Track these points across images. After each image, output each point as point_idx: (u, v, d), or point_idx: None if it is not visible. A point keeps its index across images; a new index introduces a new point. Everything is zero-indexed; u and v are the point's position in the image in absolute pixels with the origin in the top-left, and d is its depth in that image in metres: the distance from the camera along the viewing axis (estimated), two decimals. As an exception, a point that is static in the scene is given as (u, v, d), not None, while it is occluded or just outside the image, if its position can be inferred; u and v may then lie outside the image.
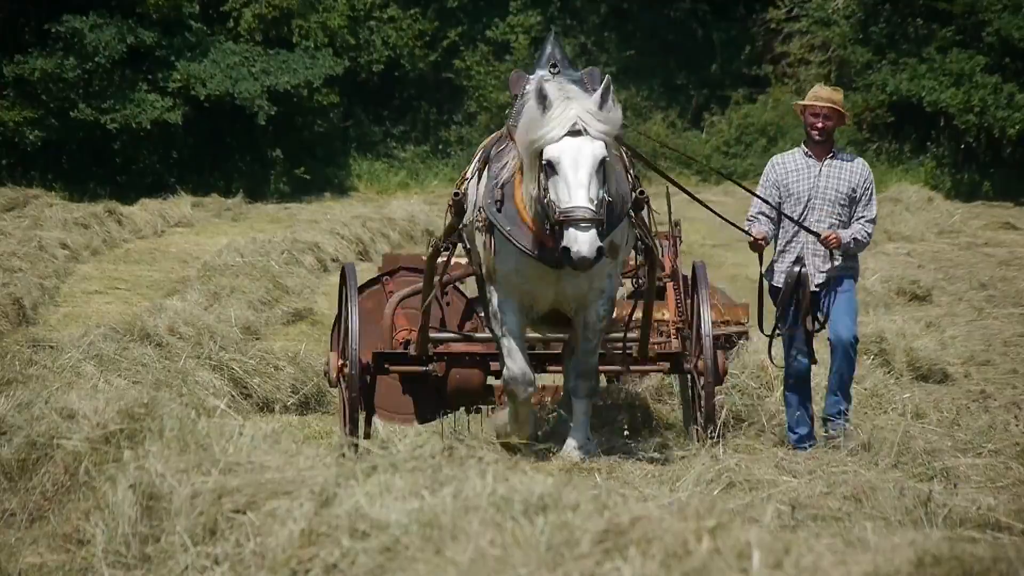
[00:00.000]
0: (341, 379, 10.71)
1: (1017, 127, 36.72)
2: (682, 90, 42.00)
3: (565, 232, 9.16)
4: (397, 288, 11.34)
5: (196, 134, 35.68)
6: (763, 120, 40.73)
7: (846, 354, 10.54)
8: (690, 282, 10.85)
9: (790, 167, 10.69)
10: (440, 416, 11.28)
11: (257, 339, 15.12)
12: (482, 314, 10.94)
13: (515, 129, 9.79)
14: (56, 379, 10.52)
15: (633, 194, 9.94)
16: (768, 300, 10.91)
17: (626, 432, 11.32)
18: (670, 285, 11.32)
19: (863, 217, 10.63)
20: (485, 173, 10.04)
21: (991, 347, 15.42)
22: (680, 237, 11.75)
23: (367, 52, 39.15)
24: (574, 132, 9.29)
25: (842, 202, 10.58)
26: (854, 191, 10.60)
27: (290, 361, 13.33)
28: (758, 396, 11.62)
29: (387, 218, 27.36)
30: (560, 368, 10.74)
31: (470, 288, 11.49)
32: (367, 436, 10.59)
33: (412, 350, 10.90)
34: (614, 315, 10.36)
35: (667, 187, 11.00)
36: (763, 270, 10.81)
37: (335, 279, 21.02)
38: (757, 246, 10.60)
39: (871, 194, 10.68)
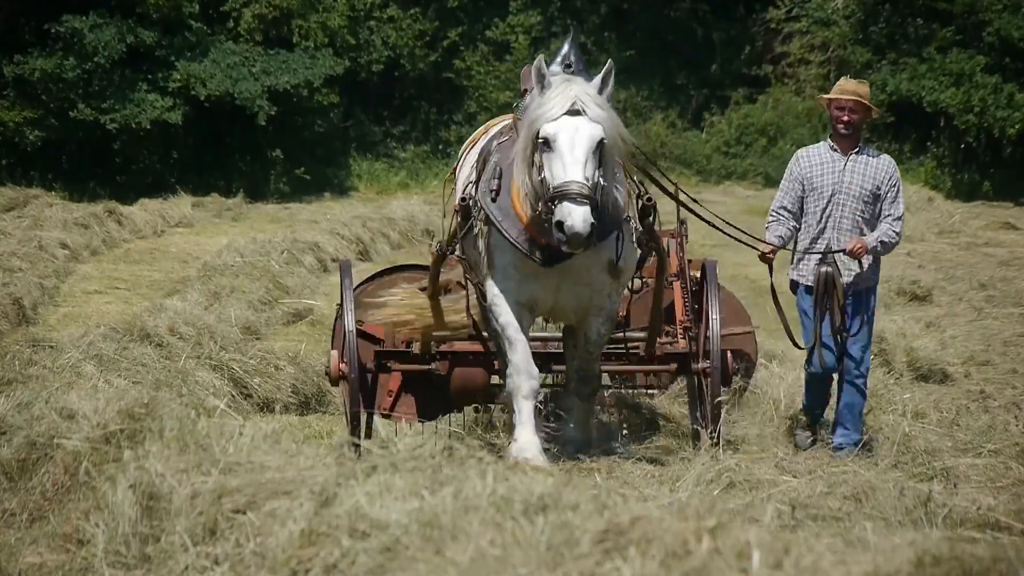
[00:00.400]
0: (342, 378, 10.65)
1: (1017, 127, 36.72)
2: (682, 90, 42.01)
3: (558, 207, 8.94)
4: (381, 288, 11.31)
5: (196, 134, 35.69)
6: (763, 120, 40.73)
7: (856, 388, 10.42)
8: (700, 282, 10.72)
9: (814, 160, 10.53)
10: (443, 415, 11.24)
11: (257, 339, 15.12)
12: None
13: (521, 123, 9.63)
14: (56, 379, 10.52)
15: (640, 201, 9.80)
16: (783, 303, 10.77)
17: (625, 432, 11.30)
18: (677, 284, 11.18)
19: (889, 215, 10.46)
20: (489, 167, 9.86)
21: (991, 347, 15.42)
22: (687, 236, 11.67)
23: (367, 52, 39.15)
24: (573, 111, 9.16)
25: (866, 199, 10.42)
26: (879, 188, 10.44)
27: (290, 361, 13.33)
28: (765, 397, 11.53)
29: (387, 218, 27.36)
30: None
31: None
32: (368, 436, 10.56)
33: (415, 348, 10.82)
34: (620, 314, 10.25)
35: (676, 185, 10.88)
36: (790, 267, 10.64)
37: (335, 279, 21.04)
38: (766, 259, 10.50)
39: (898, 191, 10.51)
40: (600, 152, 9.15)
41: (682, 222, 11.46)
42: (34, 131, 33.59)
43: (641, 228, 9.83)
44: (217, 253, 21.00)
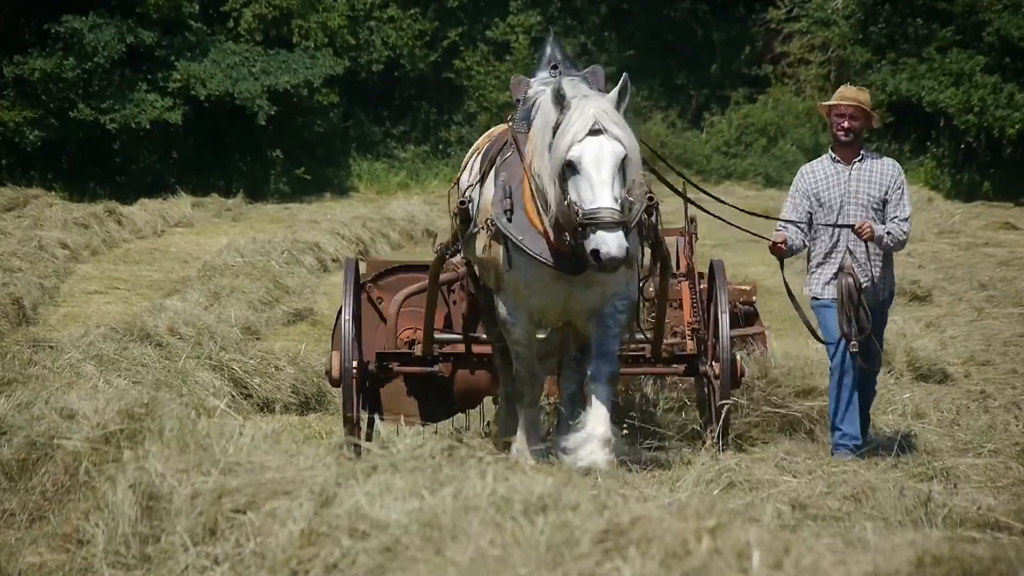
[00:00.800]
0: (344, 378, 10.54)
1: (1017, 127, 36.73)
2: (682, 90, 42.03)
3: (591, 235, 8.87)
4: (382, 292, 11.21)
5: (196, 134, 35.69)
6: (763, 120, 40.75)
7: (870, 389, 10.39)
8: (707, 281, 10.61)
9: (819, 175, 10.40)
10: (447, 418, 11.13)
11: (257, 339, 15.12)
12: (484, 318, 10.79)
13: (521, 137, 9.61)
14: (56, 379, 10.52)
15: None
16: (805, 310, 10.62)
17: (626, 432, 11.28)
18: (685, 284, 11.06)
19: (896, 217, 10.33)
20: (491, 180, 9.79)
21: (991, 347, 15.42)
22: (696, 234, 11.55)
23: (367, 52, 39.17)
24: (594, 131, 9.07)
25: (875, 205, 10.31)
26: (885, 192, 10.33)
27: (290, 361, 13.32)
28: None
29: (387, 218, 27.36)
30: None
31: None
32: (369, 438, 10.51)
33: (417, 351, 10.73)
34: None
35: (683, 183, 10.80)
36: (805, 286, 10.51)
37: (335, 279, 21.02)
38: (777, 250, 10.33)
39: (903, 192, 10.39)
40: (624, 167, 9.09)
41: (691, 220, 11.36)
42: (34, 131, 33.60)
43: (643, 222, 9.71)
44: (217, 253, 21.00)
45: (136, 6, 34.09)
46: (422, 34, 40.32)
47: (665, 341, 10.63)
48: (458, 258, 10.64)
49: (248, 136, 36.17)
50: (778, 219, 10.53)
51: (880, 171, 10.38)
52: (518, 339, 9.65)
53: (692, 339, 10.79)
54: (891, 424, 11.33)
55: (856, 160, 10.38)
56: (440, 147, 40.15)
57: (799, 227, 10.36)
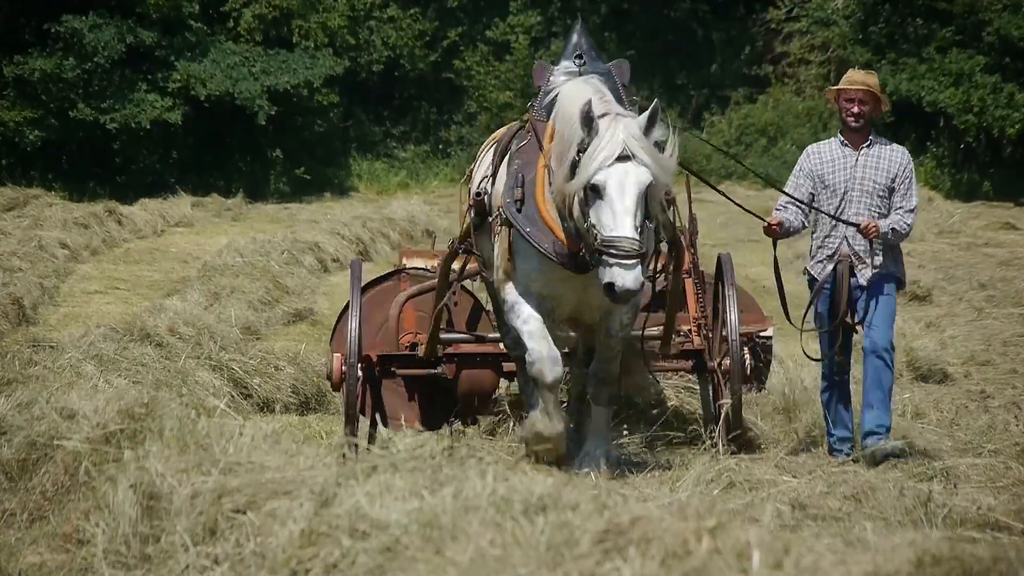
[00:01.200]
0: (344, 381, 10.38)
1: (1017, 127, 36.73)
2: (682, 90, 42.02)
3: (607, 269, 8.71)
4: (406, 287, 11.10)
5: (196, 134, 35.69)
6: (763, 120, 40.75)
7: (882, 363, 10.03)
8: (715, 275, 10.42)
9: (825, 157, 10.19)
10: (449, 422, 10.90)
11: (257, 339, 15.12)
12: (491, 315, 10.68)
13: (540, 125, 9.40)
14: (56, 379, 10.52)
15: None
16: (795, 294, 10.55)
17: (626, 432, 11.28)
18: (689, 281, 10.87)
19: (902, 207, 10.11)
20: (503, 170, 9.60)
21: (991, 347, 15.42)
22: (697, 231, 11.47)
23: (367, 52, 39.16)
24: (622, 157, 8.86)
25: (881, 193, 10.10)
26: (893, 180, 10.11)
27: (290, 361, 13.32)
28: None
29: (387, 218, 27.35)
30: None
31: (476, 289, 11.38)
32: (371, 441, 10.43)
33: (420, 352, 10.55)
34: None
35: (687, 178, 10.69)
36: (805, 265, 10.34)
37: (335, 279, 21.01)
38: (772, 231, 10.10)
39: (910, 183, 10.15)
40: (648, 195, 8.91)
41: (692, 218, 11.30)
42: (34, 131, 33.59)
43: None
44: (217, 253, 21.00)
45: (136, 6, 34.09)
46: (422, 34, 40.32)
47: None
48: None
49: (248, 136, 36.17)
50: (786, 193, 10.27)
51: (888, 158, 10.16)
52: (529, 316, 9.36)
53: (698, 335, 10.62)
54: (891, 424, 11.32)
55: (864, 145, 10.18)
56: (440, 147, 40.15)
57: (799, 208, 10.16)
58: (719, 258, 10.38)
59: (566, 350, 9.97)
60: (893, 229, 10.03)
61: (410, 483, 6.05)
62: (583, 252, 9.04)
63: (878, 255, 10.08)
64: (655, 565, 5.24)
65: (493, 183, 9.67)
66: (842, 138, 10.22)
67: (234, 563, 6.18)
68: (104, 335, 13.08)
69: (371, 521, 5.89)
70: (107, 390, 9.35)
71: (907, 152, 10.32)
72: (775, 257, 10.42)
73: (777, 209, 10.22)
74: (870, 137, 10.21)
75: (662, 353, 10.36)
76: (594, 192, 8.85)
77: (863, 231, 9.96)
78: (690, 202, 10.90)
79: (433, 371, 10.60)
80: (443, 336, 10.59)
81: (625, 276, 8.68)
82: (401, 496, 5.98)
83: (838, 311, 10.03)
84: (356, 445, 8.99)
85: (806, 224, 10.20)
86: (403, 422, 10.74)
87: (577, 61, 9.61)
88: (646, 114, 9.02)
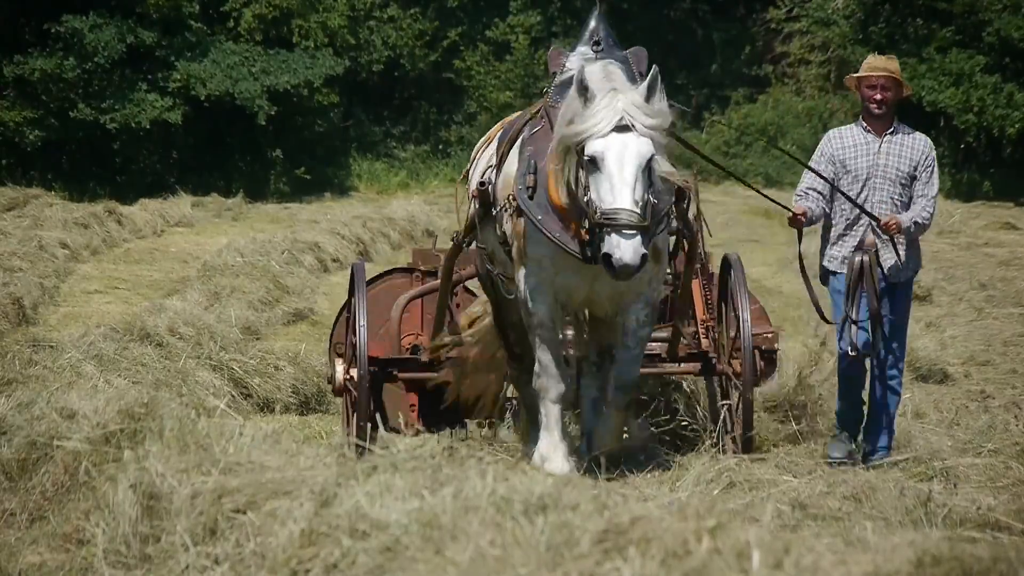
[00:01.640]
0: (348, 386, 10.22)
1: (1017, 127, 36.74)
2: (682, 90, 42.01)
3: (606, 237, 8.41)
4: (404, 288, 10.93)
5: (196, 134, 35.69)
6: (763, 120, 40.75)
7: (892, 386, 9.88)
8: (720, 276, 10.15)
9: (847, 142, 9.91)
10: (451, 427, 10.67)
11: (257, 339, 15.12)
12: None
13: (553, 110, 9.04)
14: (56, 379, 10.53)
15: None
16: (817, 285, 10.09)
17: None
18: (696, 282, 10.54)
19: (923, 196, 9.83)
20: (514, 155, 9.26)
21: (991, 347, 15.42)
22: (701, 228, 11.22)
23: (367, 52, 39.17)
24: (621, 127, 8.54)
25: (903, 181, 9.82)
26: (915, 168, 9.86)
27: (290, 361, 13.32)
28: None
29: (387, 218, 27.36)
30: None
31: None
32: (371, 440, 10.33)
33: (423, 355, 10.29)
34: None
35: (694, 175, 10.46)
36: (822, 258, 10.01)
37: (335, 279, 21.01)
38: (796, 222, 9.76)
39: (932, 171, 9.90)
40: (650, 168, 8.60)
41: (698, 216, 11.10)
42: (34, 131, 33.60)
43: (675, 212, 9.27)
44: (217, 253, 21.00)
45: (136, 6, 34.09)
46: (422, 34, 40.32)
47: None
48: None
49: (248, 136, 36.17)
50: (812, 170, 9.94)
51: (911, 146, 9.93)
52: (541, 321, 9.10)
53: (706, 337, 10.32)
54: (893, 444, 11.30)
55: (888, 132, 9.95)
56: (440, 147, 40.15)
57: (820, 194, 9.82)
58: (726, 258, 10.13)
59: (571, 351, 9.75)
60: (916, 222, 9.78)
61: (410, 483, 6.05)
62: (586, 232, 8.68)
63: (902, 242, 9.78)
64: (655, 565, 5.24)
65: (499, 173, 9.39)
66: (864, 124, 9.97)
67: (234, 563, 6.18)
68: (104, 335, 13.08)
69: (371, 521, 5.88)
70: (107, 390, 9.35)
71: (929, 141, 10.09)
72: (800, 253, 10.13)
73: (797, 196, 9.93)
74: (893, 124, 10.00)
75: (669, 355, 10.09)
76: (592, 165, 8.55)
77: (884, 228, 9.69)
78: (697, 201, 10.75)
79: (436, 375, 10.34)
80: (449, 338, 10.30)
81: (623, 246, 8.35)
82: (401, 496, 5.98)
83: (860, 298, 9.65)
84: (356, 444, 8.97)
85: (827, 211, 9.91)
86: (403, 425, 10.62)
87: (594, 47, 9.32)
88: (645, 82, 8.75)
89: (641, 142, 8.58)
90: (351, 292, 10.33)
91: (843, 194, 9.77)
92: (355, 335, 9.96)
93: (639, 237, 8.41)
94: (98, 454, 7.51)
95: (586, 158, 8.59)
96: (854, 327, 9.69)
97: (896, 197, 9.83)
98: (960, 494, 8.22)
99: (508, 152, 9.36)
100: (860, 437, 10.08)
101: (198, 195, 32.39)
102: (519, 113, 9.84)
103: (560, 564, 5.36)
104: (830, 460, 9.72)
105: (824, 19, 39.83)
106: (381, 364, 10.29)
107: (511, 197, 9.08)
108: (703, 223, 10.49)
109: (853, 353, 9.75)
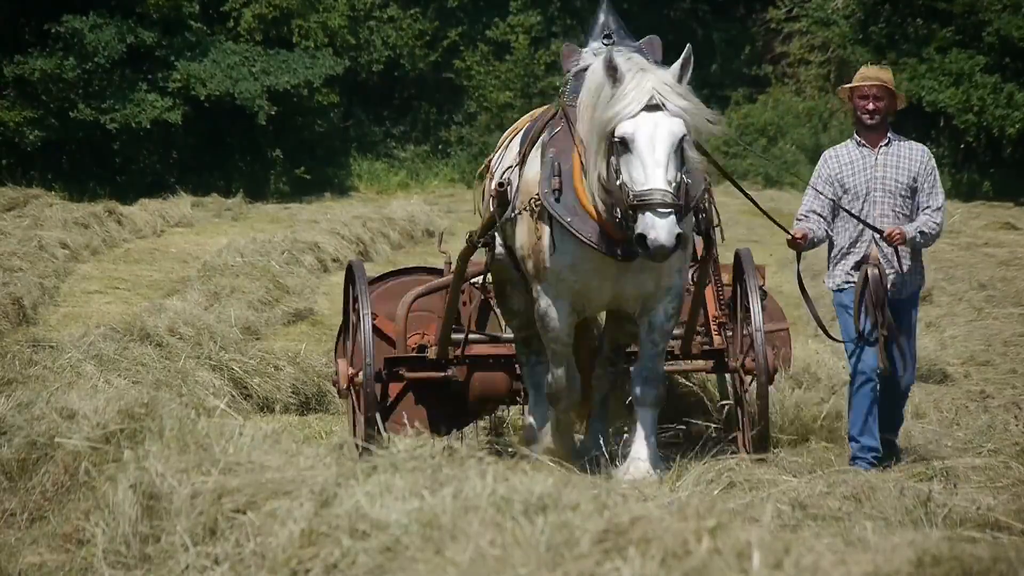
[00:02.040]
0: (351, 389, 10.17)
1: (1017, 127, 36.74)
2: (682, 90, 42.00)
3: (640, 217, 8.23)
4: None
5: (196, 134, 35.69)
6: (763, 120, 40.73)
7: (900, 406, 9.80)
8: (733, 272, 9.97)
9: (843, 160, 9.71)
10: (459, 427, 10.59)
11: (257, 339, 15.12)
12: (498, 312, 10.32)
13: (571, 109, 8.93)
14: (56, 379, 10.52)
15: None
16: (822, 305, 10.14)
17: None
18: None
19: (928, 207, 9.67)
20: (534, 157, 9.10)
21: (991, 347, 15.42)
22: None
23: (367, 52, 39.16)
24: (651, 107, 8.41)
25: (903, 193, 9.64)
26: (915, 179, 9.66)
27: (290, 361, 13.32)
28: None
29: (387, 218, 27.36)
30: None
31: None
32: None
33: (430, 354, 10.12)
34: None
35: (715, 156, 10.27)
36: (826, 274, 9.83)
37: (335, 279, 21.01)
38: (796, 244, 9.59)
39: (935, 179, 9.72)
40: (682, 148, 8.50)
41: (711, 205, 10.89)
42: (34, 131, 33.60)
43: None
44: (217, 253, 21.00)
45: (136, 6, 34.09)
46: (422, 34, 40.32)
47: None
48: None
49: (248, 136, 36.17)
50: (816, 189, 9.76)
51: (908, 156, 9.74)
52: (557, 336, 9.01)
53: (719, 334, 10.13)
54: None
55: (883, 144, 9.76)
56: (440, 147, 40.15)
57: (821, 217, 9.65)
58: (738, 254, 9.98)
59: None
60: (921, 232, 9.63)
61: (410, 483, 6.05)
62: (620, 220, 8.49)
63: (906, 256, 9.64)
64: (655, 565, 5.24)
65: (520, 173, 9.21)
66: (858, 138, 9.79)
67: (234, 563, 6.18)
68: (104, 335, 13.08)
69: (371, 521, 5.88)
70: (107, 390, 9.35)
71: (927, 149, 9.91)
72: (798, 272, 9.99)
73: (798, 219, 9.75)
74: (888, 135, 9.82)
75: (683, 352, 9.96)
76: (623, 146, 8.41)
77: (887, 239, 9.52)
78: (712, 201, 10.62)
79: (444, 373, 10.20)
80: (454, 337, 10.12)
81: (659, 226, 8.18)
82: (401, 496, 5.98)
83: (875, 320, 9.46)
84: (356, 444, 8.96)
85: (829, 233, 9.72)
86: (407, 425, 10.49)
87: (606, 41, 9.17)
88: (678, 61, 8.61)
89: (673, 121, 8.48)
90: (350, 291, 10.29)
91: (845, 210, 9.62)
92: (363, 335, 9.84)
93: (673, 216, 8.28)
94: (98, 454, 7.51)
95: (616, 140, 8.46)
96: (866, 344, 9.49)
97: (898, 209, 9.66)
98: (960, 494, 8.22)
99: (529, 153, 9.21)
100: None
101: (198, 195, 32.39)
102: (545, 108, 9.66)
103: (560, 564, 5.36)
104: (856, 458, 9.58)
105: (824, 19, 39.82)
106: (388, 363, 10.17)
107: (534, 200, 8.93)
108: (716, 213, 10.21)
109: (879, 369, 9.51)
